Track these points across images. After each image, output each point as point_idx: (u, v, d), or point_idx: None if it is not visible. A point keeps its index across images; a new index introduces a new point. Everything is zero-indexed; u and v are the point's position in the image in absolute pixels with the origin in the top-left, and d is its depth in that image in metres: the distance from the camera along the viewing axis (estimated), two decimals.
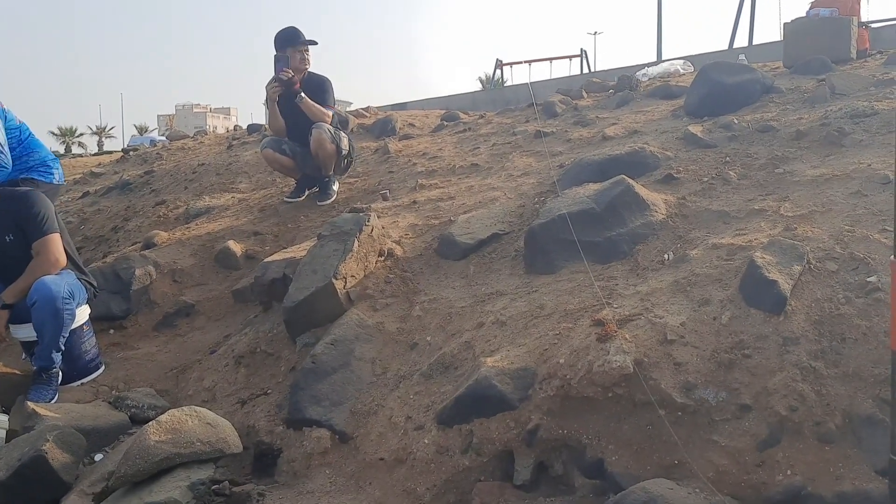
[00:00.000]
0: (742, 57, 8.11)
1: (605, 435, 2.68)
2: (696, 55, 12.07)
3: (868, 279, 2.78)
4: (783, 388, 2.53)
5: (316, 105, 5.23)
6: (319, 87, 5.36)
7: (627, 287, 3.22)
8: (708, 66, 5.62)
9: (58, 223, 4.00)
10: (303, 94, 5.17)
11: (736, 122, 4.65)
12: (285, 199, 5.62)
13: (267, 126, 5.51)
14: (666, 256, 3.38)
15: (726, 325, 2.78)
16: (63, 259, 3.92)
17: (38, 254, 3.86)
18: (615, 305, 3.06)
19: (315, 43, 5.39)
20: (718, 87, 5.27)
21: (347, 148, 5.47)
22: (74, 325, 3.91)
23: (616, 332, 2.81)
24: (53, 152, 4.79)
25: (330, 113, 5.35)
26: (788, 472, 2.39)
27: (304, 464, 3.13)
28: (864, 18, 7.39)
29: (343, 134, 5.46)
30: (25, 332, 3.88)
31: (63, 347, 3.81)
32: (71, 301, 3.78)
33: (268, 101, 5.31)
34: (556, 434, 2.73)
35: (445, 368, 3.21)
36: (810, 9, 7.02)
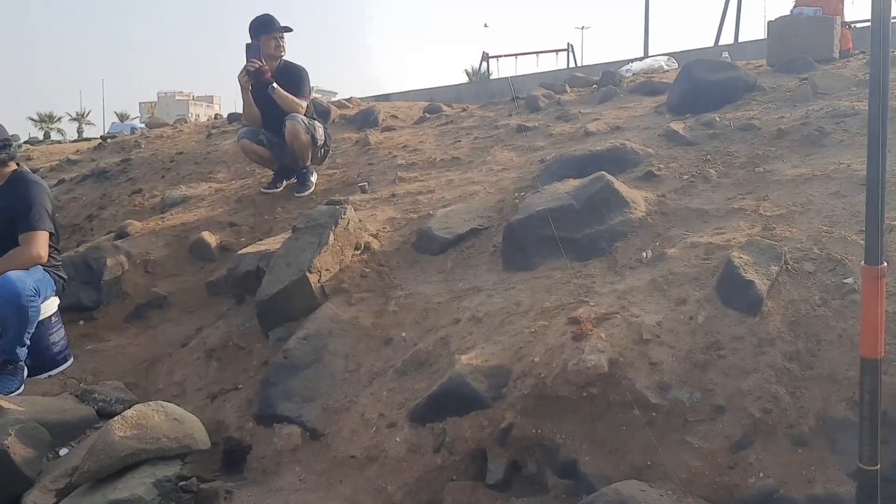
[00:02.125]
0: (726, 54, 8.11)
1: (578, 435, 2.65)
2: (680, 52, 12.08)
3: (845, 281, 2.77)
4: (757, 390, 2.51)
5: (289, 95, 5.15)
6: (294, 77, 5.28)
7: (605, 285, 3.19)
8: (690, 63, 5.60)
9: (52, 222, 3.95)
10: (275, 85, 5.09)
11: (718, 119, 4.63)
12: (262, 189, 5.55)
13: (243, 117, 5.42)
14: (644, 255, 3.35)
15: (702, 324, 2.75)
16: (44, 257, 3.86)
17: (22, 243, 3.80)
18: (592, 303, 3.03)
19: (290, 30, 5.31)
20: (701, 84, 5.24)
21: (323, 138, 5.41)
22: (42, 317, 3.83)
23: (592, 330, 2.78)
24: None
25: (304, 103, 5.26)
26: (761, 475, 2.38)
27: (274, 461, 3.08)
28: (847, 18, 7.40)
29: (318, 124, 5.39)
30: None
31: (28, 342, 3.73)
32: (36, 298, 3.70)
33: (241, 91, 5.22)
34: (530, 433, 2.70)
35: (420, 365, 3.17)
36: (794, 7, 7.02)
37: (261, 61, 5.07)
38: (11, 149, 4.00)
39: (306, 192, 5.34)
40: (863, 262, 2.02)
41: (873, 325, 2.00)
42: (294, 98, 5.18)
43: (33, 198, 3.86)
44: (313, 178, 5.47)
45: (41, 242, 3.83)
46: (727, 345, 2.65)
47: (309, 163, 5.39)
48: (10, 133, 4.20)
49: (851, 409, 2.40)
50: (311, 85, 5.58)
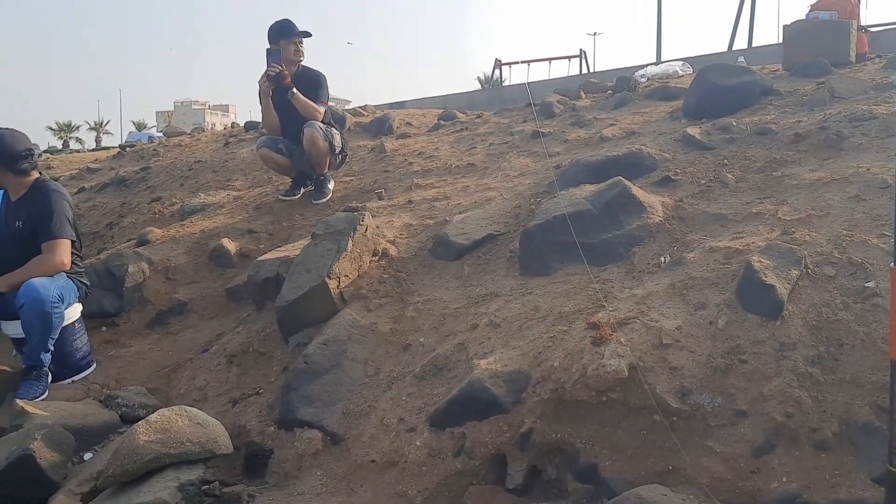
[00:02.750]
0: (741, 59, 8.09)
1: (598, 439, 2.65)
2: (695, 57, 12.04)
3: (866, 284, 2.75)
4: (779, 394, 2.51)
5: (308, 101, 5.19)
6: (313, 83, 5.32)
7: (623, 290, 3.19)
8: (706, 68, 5.59)
9: (73, 230, 4.01)
10: (294, 90, 5.13)
11: (734, 124, 4.62)
12: (281, 196, 5.59)
13: (262, 126, 5.46)
14: (662, 259, 3.35)
15: (722, 329, 2.75)
16: (67, 264, 3.91)
17: (45, 251, 3.86)
18: (610, 308, 3.03)
19: (309, 35, 5.35)
20: (717, 88, 5.24)
21: (340, 145, 5.44)
22: (66, 323, 3.89)
23: (611, 335, 2.78)
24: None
25: (322, 109, 5.30)
26: (784, 479, 2.37)
27: (296, 465, 3.10)
28: (863, 22, 7.37)
29: (335, 131, 5.43)
30: (15, 328, 3.85)
31: (52, 348, 3.78)
32: (59, 304, 3.75)
33: (261, 97, 5.27)
34: (550, 438, 2.71)
35: (438, 370, 3.19)
36: (810, 11, 7.00)
37: (281, 66, 5.11)
38: (34, 158, 4.06)
39: (324, 200, 5.37)
40: (892, 263, 2.02)
41: None
42: (313, 104, 5.22)
43: (55, 206, 3.91)
44: (330, 186, 5.51)
45: (64, 250, 3.88)
46: (748, 349, 2.65)
47: (326, 170, 5.43)
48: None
49: (875, 413, 2.39)
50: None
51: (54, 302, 3.70)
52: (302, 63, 5.34)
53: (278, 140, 5.41)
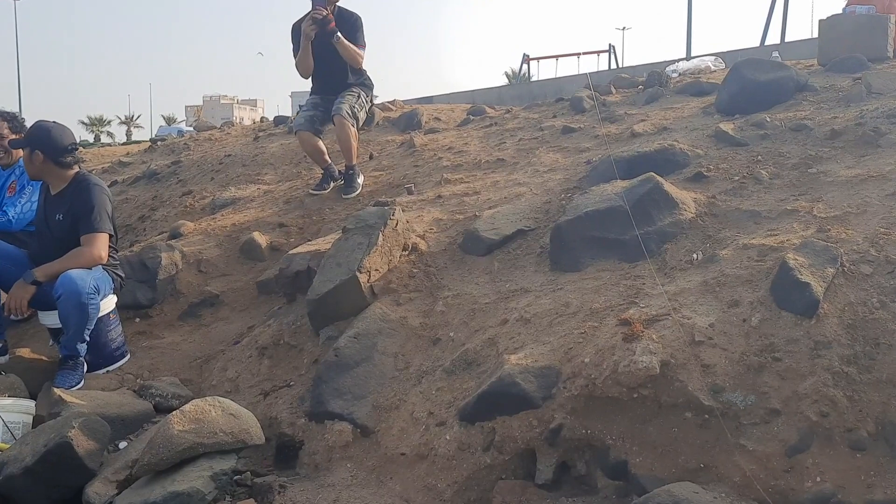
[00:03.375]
0: (776, 54, 7.96)
1: (629, 436, 2.64)
2: (727, 52, 11.91)
3: None
4: (814, 393, 2.48)
5: (351, 46, 5.26)
6: (351, 25, 5.36)
7: (655, 286, 3.17)
8: (740, 63, 5.52)
9: (112, 224, 4.08)
10: (339, 34, 5.18)
11: (768, 120, 4.56)
12: (311, 191, 5.62)
13: (296, 66, 5.46)
14: (695, 256, 3.32)
15: (756, 327, 2.73)
16: (105, 258, 3.98)
17: (84, 244, 3.93)
18: (642, 305, 3.01)
19: None
20: (751, 84, 5.16)
21: (363, 118, 5.57)
22: (101, 314, 3.95)
23: (643, 331, 2.77)
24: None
25: (363, 53, 5.38)
26: (818, 479, 2.35)
27: (326, 457, 3.13)
28: None
29: (363, 102, 5.50)
30: (52, 319, 3.92)
31: (88, 339, 3.84)
32: (95, 296, 3.81)
33: (302, 39, 5.28)
34: (580, 434, 2.70)
35: (468, 365, 3.19)
36: (847, 6, 6.87)
37: (327, 10, 5.14)
38: (77, 153, 4.15)
39: (353, 194, 5.40)
40: None
41: None
42: (356, 49, 5.30)
43: (96, 200, 3.98)
44: (360, 180, 5.54)
45: (102, 244, 3.95)
46: (782, 347, 2.62)
47: (355, 161, 5.48)
48: None
49: None
50: None
51: (90, 293, 3.76)
52: (337, 4, 5.38)
53: (314, 119, 5.46)
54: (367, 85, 5.60)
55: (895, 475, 2.30)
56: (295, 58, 5.44)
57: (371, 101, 5.67)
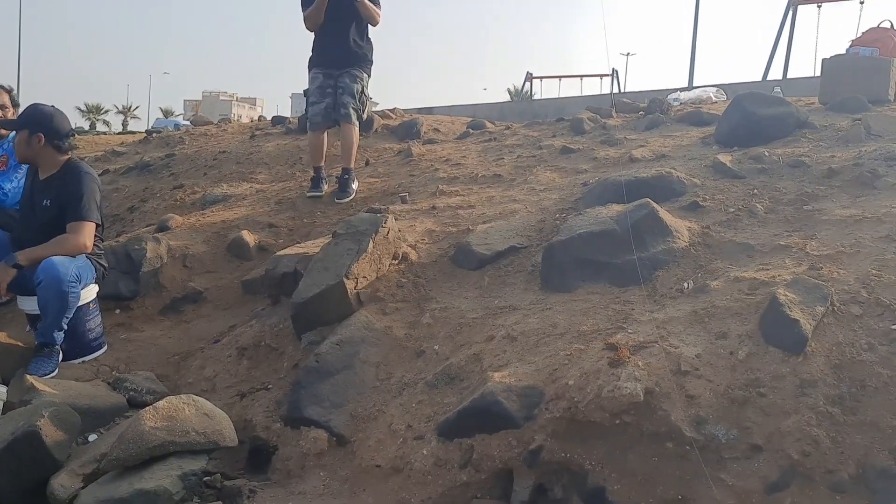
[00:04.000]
0: (777, 89, 8.00)
1: (608, 462, 2.60)
2: (729, 84, 11.94)
3: (893, 327, 2.69)
4: (797, 432, 2.45)
5: (371, 5, 5.39)
6: None
7: (644, 313, 3.14)
8: (742, 96, 5.53)
9: (99, 214, 4.04)
10: None
11: (767, 154, 4.56)
12: (307, 193, 5.59)
13: (304, 18, 5.47)
14: (685, 285, 3.30)
15: (743, 360, 2.70)
16: (90, 247, 3.93)
17: (69, 231, 3.88)
18: (630, 330, 2.98)
19: None
20: (751, 117, 5.17)
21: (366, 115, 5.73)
22: (81, 303, 3.89)
23: (629, 358, 2.74)
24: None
25: (380, 12, 5.50)
26: None
27: (299, 463, 3.08)
28: None
29: (366, 92, 5.61)
30: (31, 304, 3.86)
31: (66, 327, 3.79)
32: (77, 284, 3.76)
33: None
34: (559, 457, 2.66)
35: (451, 379, 3.15)
36: (850, 46, 6.91)
37: None
38: (72, 139, 4.11)
39: (347, 199, 5.38)
40: None
41: None
42: (375, 7, 5.44)
43: (85, 188, 3.94)
44: (354, 186, 5.51)
45: (88, 233, 3.90)
46: (768, 383, 2.59)
47: (353, 164, 5.51)
48: None
49: (894, 459, 2.33)
50: None
51: (72, 281, 3.71)
52: None
53: (328, 110, 5.49)
54: (370, 60, 5.65)
55: None
56: (304, 11, 5.49)
57: (369, 78, 5.74)
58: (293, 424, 3.20)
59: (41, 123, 3.99)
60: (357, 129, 5.48)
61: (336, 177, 5.60)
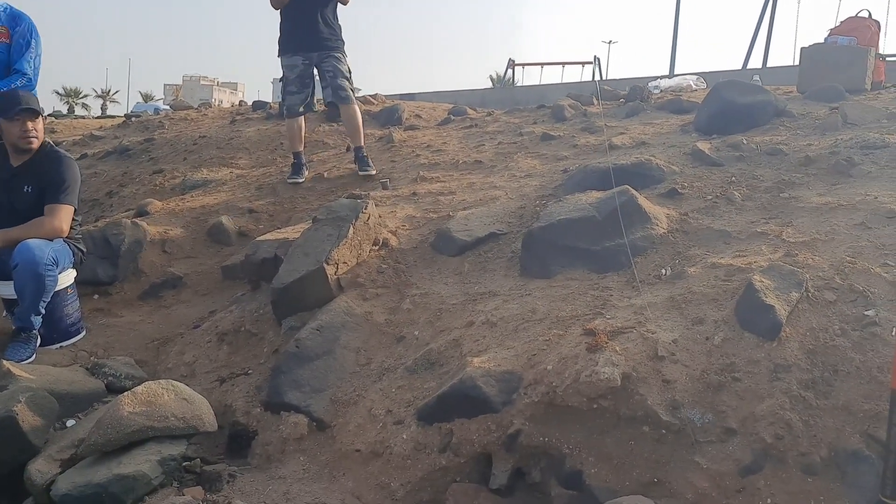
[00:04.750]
0: (756, 77, 8.06)
1: (586, 446, 2.63)
2: (709, 72, 11.99)
3: (866, 312, 2.74)
4: (770, 416, 2.49)
5: None
6: None
7: (622, 299, 3.17)
8: (721, 84, 5.57)
9: (76, 198, 4.00)
10: None
11: (745, 142, 4.60)
12: (288, 180, 5.57)
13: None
14: (663, 271, 3.33)
15: (719, 346, 2.73)
16: (66, 230, 3.91)
17: (47, 214, 3.84)
18: (608, 316, 3.01)
19: None
20: (730, 105, 5.21)
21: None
22: (59, 288, 3.86)
23: (607, 343, 2.76)
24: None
25: None
26: (769, 501, 2.35)
27: (279, 448, 3.08)
28: (881, 51, 7.34)
29: (349, 67, 5.59)
30: (8, 289, 3.82)
31: (43, 311, 3.76)
32: (53, 267, 3.73)
33: None
34: (537, 441, 2.69)
35: (431, 364, 3.17)
36: (829, 35, 6.96)
37: None
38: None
39: (372, 171, 5.46)
40: None
41: None
42: None
43: (67, 172, 3.91)
44: (372, 163, 5.58)
45: (65, 216, 3.86)
46: (742, 368, 2.63)
47: (363, 142, 5.60)
48: None
49: (865, 442, 2.38)
50: None
51: (48, 264, 3.67)
52: None
53: (305, 104, 5.52)
54: (342, 39, 5.60)
55: (844, 501, 2.31)
56: None
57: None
58: (273, 409, 3.20)
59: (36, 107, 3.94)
60: (357, 104, 5.54)
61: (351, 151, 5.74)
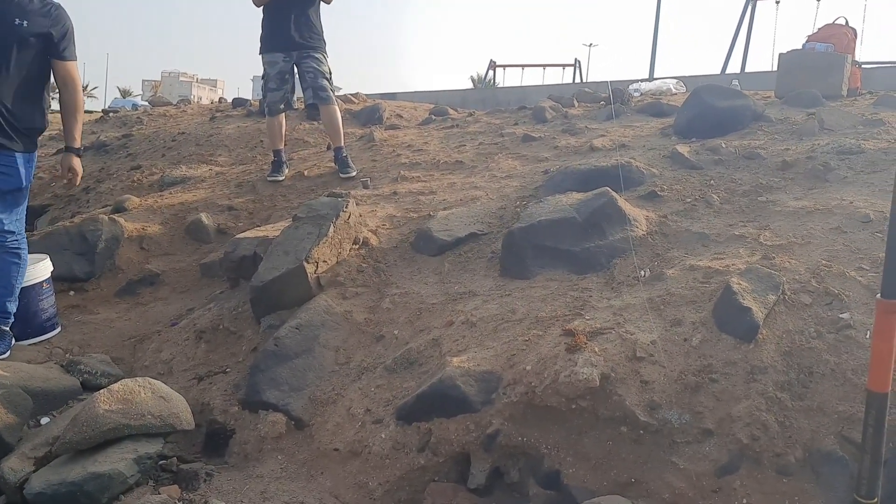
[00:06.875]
0: (735, 82, 8.15)
1: (564, 446, 2.64)
2: (689, 76, 12.11)
3: (841, 315, 2.77)
4: (747, 416, 2.52)
5: None
6: None
7: (601, 300, 3.19)
8: (700, 88, 5.62)
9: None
10: None
11: (723, 146, 4.64)
12: (268, 178, 5.53)
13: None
14: (642, 273, 3.35)
15: (696, 347, 2.76)
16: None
17: (65, 84, 3.77)
18: (587, 317, 3.02)
19: None
20: (709, 109, 5.26)
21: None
22: (34, 282, 3.81)
23: (586, 344, 2.78)
24: None
25: None
26: (745, 501, 2.38)
27: (257, 447, 3.07)
28: (857, 58, 7.45)
29: (329, 68, 5.55)
30: None
31: (16, 299, 3.67)
32: (11, 233, 3.59)
33: None
34: (516, 441, 2.70)
35: (410, 364, 3.16)
36: (807, 42, 7.06)
37: None
38: None
39: (353, 173, 5.41)
40: (878, 294, 2.02)
41: (885, 359, 1.99)
42: None
43: (69, 23, 3.74)
44: (353, 165, 5.52)
45: (78, 73, 3.91)
46: (720, 369, 2.66)
47: (343, 143, 5.57)
48: None
49: (839, 443, 2.41)
50: None
51: (6, 231, 3.57)
52: None
53: (287, 96, 5.50)
54: (324, 40, 5.56)
55: (818, 502, 2.34)
56: None
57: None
58: (251, 408, 3.19)
59: None
60: (337, 106, 5.54)
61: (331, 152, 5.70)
